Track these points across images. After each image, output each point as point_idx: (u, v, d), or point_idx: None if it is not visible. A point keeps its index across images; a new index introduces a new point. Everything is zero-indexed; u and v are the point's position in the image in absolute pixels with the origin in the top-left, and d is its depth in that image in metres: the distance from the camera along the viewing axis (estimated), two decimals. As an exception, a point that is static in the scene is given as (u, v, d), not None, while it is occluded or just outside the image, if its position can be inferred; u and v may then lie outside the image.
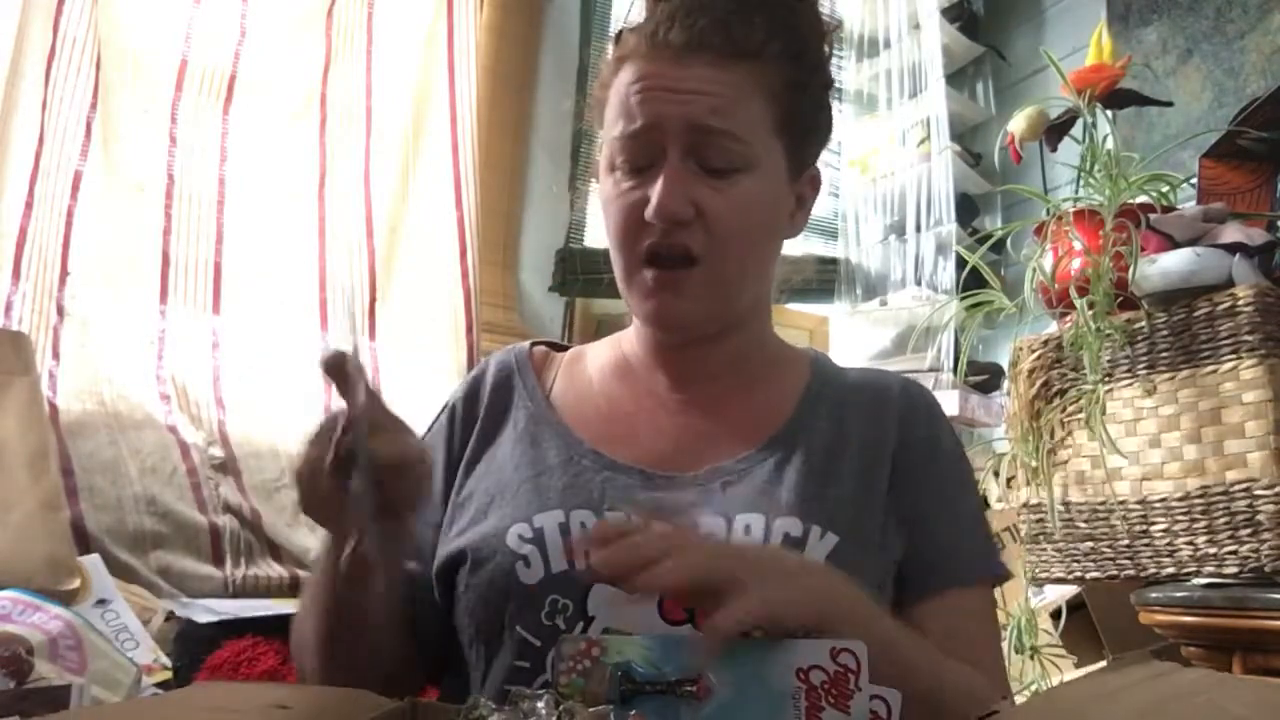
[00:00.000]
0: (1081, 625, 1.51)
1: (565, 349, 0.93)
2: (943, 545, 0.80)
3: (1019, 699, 1.45)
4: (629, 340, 0.88)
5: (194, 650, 1.33)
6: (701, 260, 0.76)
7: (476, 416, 0.86)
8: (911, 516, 0.79)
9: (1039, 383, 1.45)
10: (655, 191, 0.74)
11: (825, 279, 2.61)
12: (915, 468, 0.81)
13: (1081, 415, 1.37)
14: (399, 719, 0.52)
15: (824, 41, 0.82)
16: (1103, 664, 1.44)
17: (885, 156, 2.68)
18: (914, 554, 0.79)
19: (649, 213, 0.74)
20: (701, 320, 0.79)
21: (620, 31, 0.81)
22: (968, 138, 2.75)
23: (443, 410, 0.90)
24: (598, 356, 0.90)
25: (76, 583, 1.29)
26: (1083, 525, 1.39)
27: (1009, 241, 1.62)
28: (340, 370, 0.64)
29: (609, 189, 0.79)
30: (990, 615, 0.83)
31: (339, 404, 0.64)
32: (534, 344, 0.93)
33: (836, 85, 0.87)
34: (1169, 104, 2.09)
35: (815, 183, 0.85)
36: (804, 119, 0.80)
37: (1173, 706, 0.48)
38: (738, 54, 0.75)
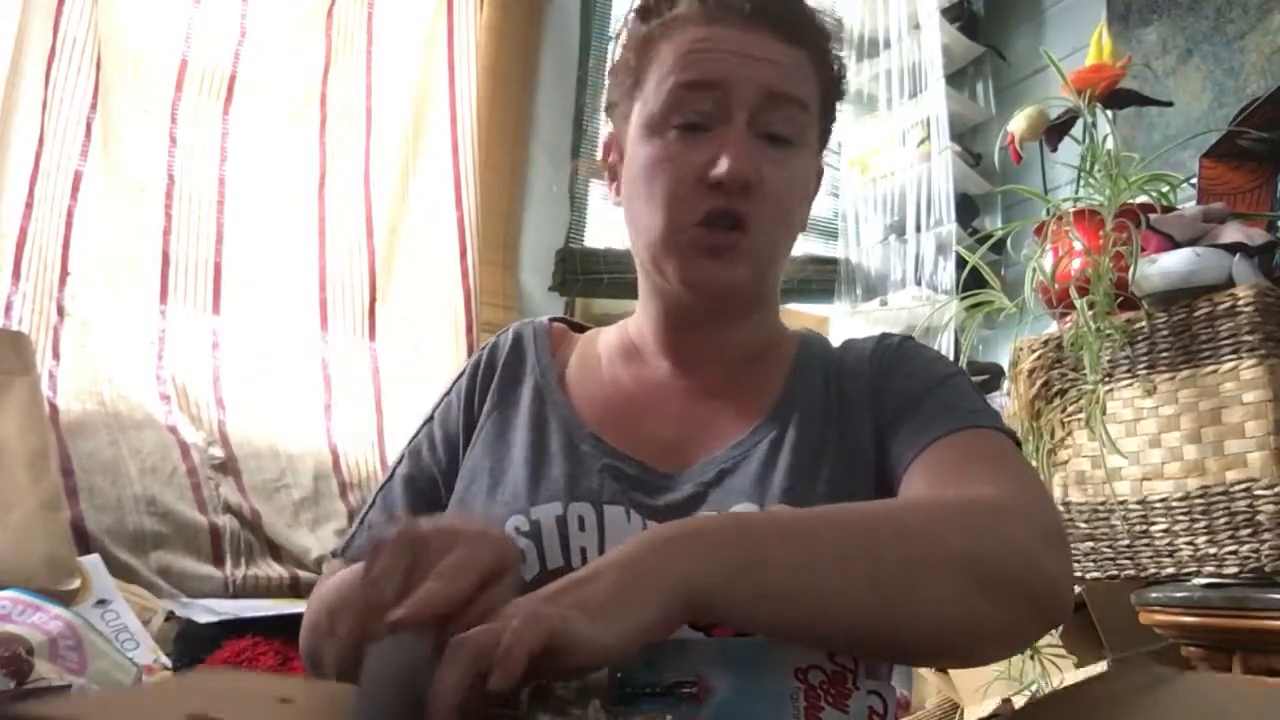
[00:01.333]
0: (1081, 625, 1.51)
1: (585, 329, 0.93)
2: (920, 415, 0.73)
3: (1018, 700, 1.45)
4: (635, 324, 0.88)
5: (194, 650, 1.33)
6: (751, 230, 0.74)
7: (490, 385, 0.86)
8: (887, 431, 0.76)
9: (1039, 383, 1.44)
10: (727, 153, 0.72)
11: (825, 279, 2.61)
12: (886, 397, 0.78)
13: (1081, 415, 1.37)
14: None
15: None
16: (1103, 664, 1.44)
17: (885, 156, 2.68)
18: (890, 442, 0.74)
19: (720, 173, 0.72)
20: (740, 289, 0.78)
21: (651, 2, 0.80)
22: (968, 138, 2.75)
23: (460, 376, 0.89)
24: (609, 339, 0.89)
25: (76, 583, 1.29)
26: (1083, 525, 1.39)
27: (1009, 241, 1.62)
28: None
29: (651, 151, 0.76)
30: (1008, 454, 0.72)
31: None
32: (553, 319, 0.92)
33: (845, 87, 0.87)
34: (1169, 104, 2.09)
35: (820, 175, 0.86)
36: (835, 99, 0.83)
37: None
38: (799, 34, 0.77)
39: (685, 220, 0.74)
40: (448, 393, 0.88)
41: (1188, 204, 1.47)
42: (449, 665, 0.46)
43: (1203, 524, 1.24)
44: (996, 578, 0.58)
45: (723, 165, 0.71)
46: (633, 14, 0.81)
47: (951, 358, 2.27)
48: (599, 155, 0.87)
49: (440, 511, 0.81)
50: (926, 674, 1.70)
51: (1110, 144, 1.40)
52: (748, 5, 0.75)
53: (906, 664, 0.63)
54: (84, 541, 1.44)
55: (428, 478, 0.83)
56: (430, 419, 0.87)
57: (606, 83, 0.86)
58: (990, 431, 0.73)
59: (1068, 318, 1.41)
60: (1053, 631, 1.53)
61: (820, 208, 2.75)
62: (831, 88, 0.81)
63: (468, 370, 0.88)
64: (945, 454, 0.71)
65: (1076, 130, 1.48)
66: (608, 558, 0.53)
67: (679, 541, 0.54)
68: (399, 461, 0.86)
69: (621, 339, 0.88)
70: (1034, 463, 1.43)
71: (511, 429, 0.82)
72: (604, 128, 0.88)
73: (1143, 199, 1.40)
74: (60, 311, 1.62)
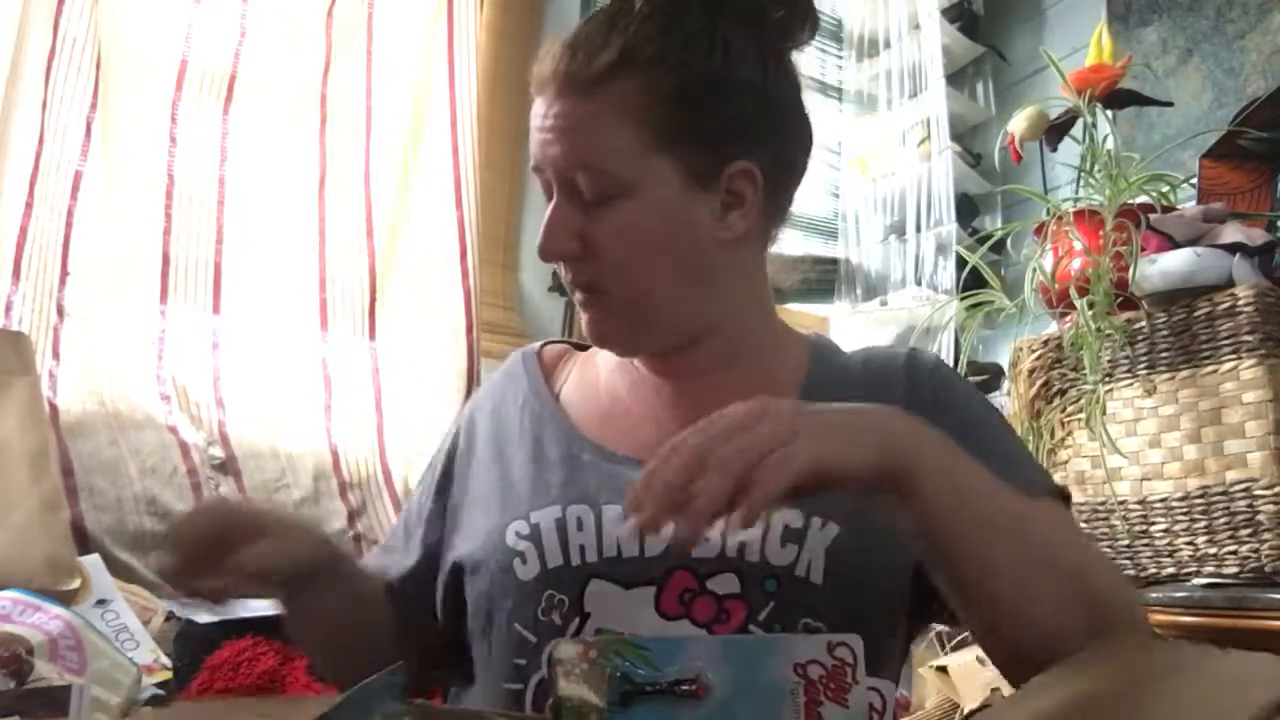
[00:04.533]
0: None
1: (586, 348, 0.94)
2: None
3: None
4: None
5: (194, 650, 1.33)
6: (606, 290, 0.78)
7: (485, 418, 0.89)
8: None
9: (1039, 383, 1.45)
10: (541, 232, 0.77)
11: (825, 279, 2.61)
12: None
13: (1081, 415, 1.37)
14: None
15: (725, 33, 0.77)
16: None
17: (885, 156, 2.68)
18: None
19: (538, 253, 0.78)
20: (638, 338, 0.81)
21: None
22: (968, 138, 2.75)
23: (458, 421, 0.93)
24: (609, 354, 0.90)
25: (76, 583, 1.29)
26: (1083, 525, 1.39)
27: (1009, 241, 1.63)
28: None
29: None
30: (1078, 527, 0.77)
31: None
32: (547, 343, 0.94)
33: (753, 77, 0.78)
34: (1169, 104, 2.09)
35: (750, 176, 0.79)
36: (697, 124, 0.76)
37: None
38: (592, 81, 0.75)
39: (564, 283, 0.81)
40: (453, 428, 0.93)
41: (1188, 204, 1.47)
42: (713, 471, 0.53)
43: (1203, 524, 1.24)
44: (1097, 600, 0.63)
45: (538, 246, 0.78)
46: None
47: (952, 358, 2.27)
48: None
49: (432, 549, 0.86)
50: (926, 674, 1.70)
51: (1110, 144, 1.40)
52: (547, 72, 0.77)
53: (992, 647, 0.67)
54: (84, 541, 1.44)
55: (419, 517, 0.89)
56: (438, 453, 0.93)
57: None
58: (1061, 504, 0.75)
59: (1068, 318, 1.41)
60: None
61: (820, 208, 2.75)
62: (679, 103, 0.75)
63: (464, 422, 0.92)
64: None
65: (1076, 130, 1.48)
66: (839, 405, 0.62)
67: (908, 422, 0.62)
68: (414, 496, 0.93)
69: None
70: (1034, 463, 1.43)
71: (510, 451, 0.84)
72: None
73: (1143, 199, 1.40)
74: (60, 311, 1.62)
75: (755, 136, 0.79)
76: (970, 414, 0.79)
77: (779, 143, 0.81)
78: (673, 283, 0.79)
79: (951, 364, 2.24)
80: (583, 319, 0.81)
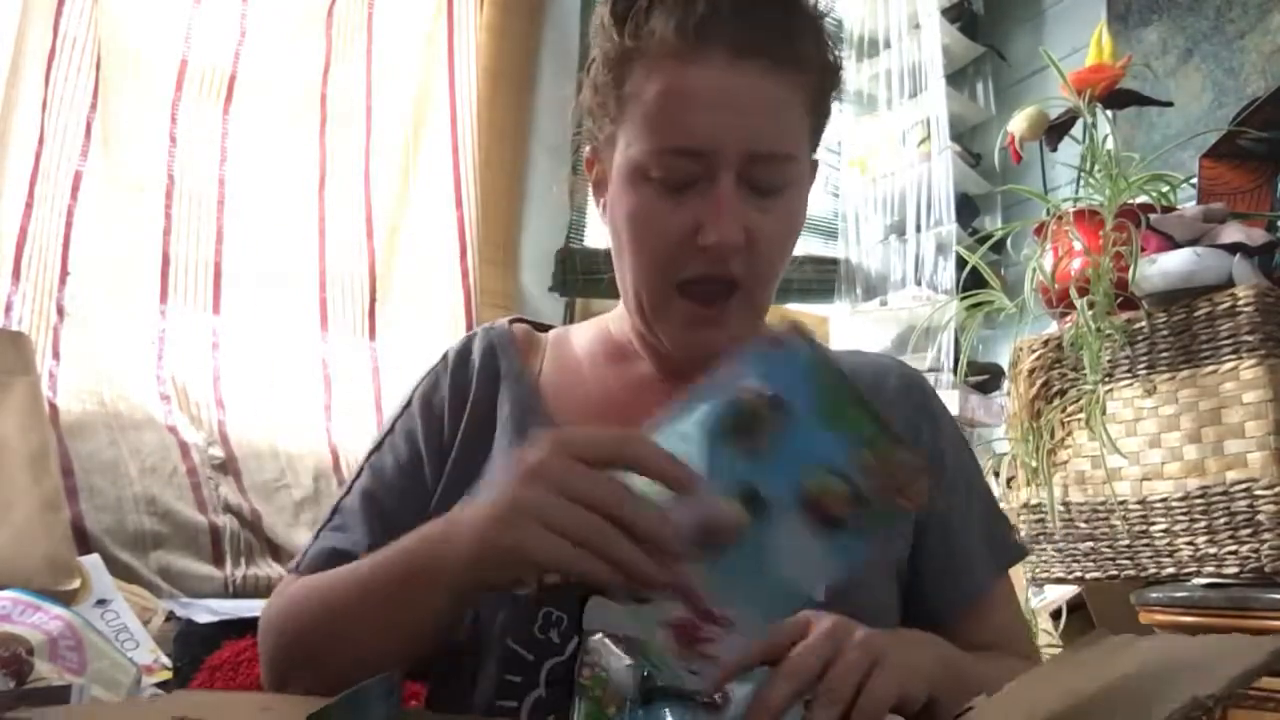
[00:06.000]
0: (1081, 625, 1.51)
1: (548, 329, 0.89)
2: (963, 554, 0.79)
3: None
4: (617, 322, 0.84)
5: (194, 650, 1.33)
6: (742, 285, 0.72)
7: (465, 403, 0.80)
8: (922, 523, 0.78)
9: (1039, 383, 1.45)
10: (714, 219, 0.68)
11: (825, 279, 2.61)
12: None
13: (1081, 415, 1.37)
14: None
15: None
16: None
17: (885, 156, 2.68)
18: (936, 566, 0.78)
19: (709, 242, 0.68)
20: (736, 337, 0.73)
21: (633, 5, 0.71)
22: (968, 138, 2.75)
23: (424, 387, 0.83)
24: (586, 338, 0.85)
25: (76, 583, 1.29)
26: (1083, 525, 1.39)
27: (1009, 241, 1.63)
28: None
29: (635, 203, 0.72)
30: (1012, 594, 0.84)
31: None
32: (513, 321, 0.87)
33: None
34: (1169, 104, 2.09)
35: (815, 169, 0.81)
36: (825, 118, 0.77)
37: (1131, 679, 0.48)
38: (788, 62, 0.69)
39: (672, 281, 0.72)
40: (408, 404, 0.83)
41: (1188, 204, 1.47)
42: (779, 681, 0.54)
43: (1203, 524, 1.24)
44: None
45: (711, 234, 0.68)
46: (607, 14, 0.73)
47: (951, 358, 2.27)
48: (585, 163, 0.81)
49: (398, 529, 0.70)
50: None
51: (1110, 144, 1.40)
52: (731, 40, 0.67)
53: None
54: (84, 541, 1.44)
55: (389, 493, 0.79)
56: (391, 430, 0.82)
57: (583, 84, 0.78)
58: (1005, 576, 0.82)
59: (1068, 318, 1.41)
60: (1053, 631, 1.53)
61: (820, 208, 2.75)
62: (827, 89, 0.76)
63: (427, 383, 0.83)
64: (985, 619, 0.78)
65: (1076, 130, 1.48)
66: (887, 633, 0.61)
67: (938, 647, 0.66)
68: (358, 474, 0.81)
69: (603, 338, 0.84)
70: (1034, 463, 1.43)
71: (492, 446, 0.78)
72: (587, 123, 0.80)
73: (1143, 199, 1.40)
74: (60, 311, 1.62)
75: (827, 120, 0.80)
76: (955, 469, 0.82)
77: None
78: (784, 271, 0.77)
79: (951, 364, 2.24)
80: (684, 332, 0.73)
